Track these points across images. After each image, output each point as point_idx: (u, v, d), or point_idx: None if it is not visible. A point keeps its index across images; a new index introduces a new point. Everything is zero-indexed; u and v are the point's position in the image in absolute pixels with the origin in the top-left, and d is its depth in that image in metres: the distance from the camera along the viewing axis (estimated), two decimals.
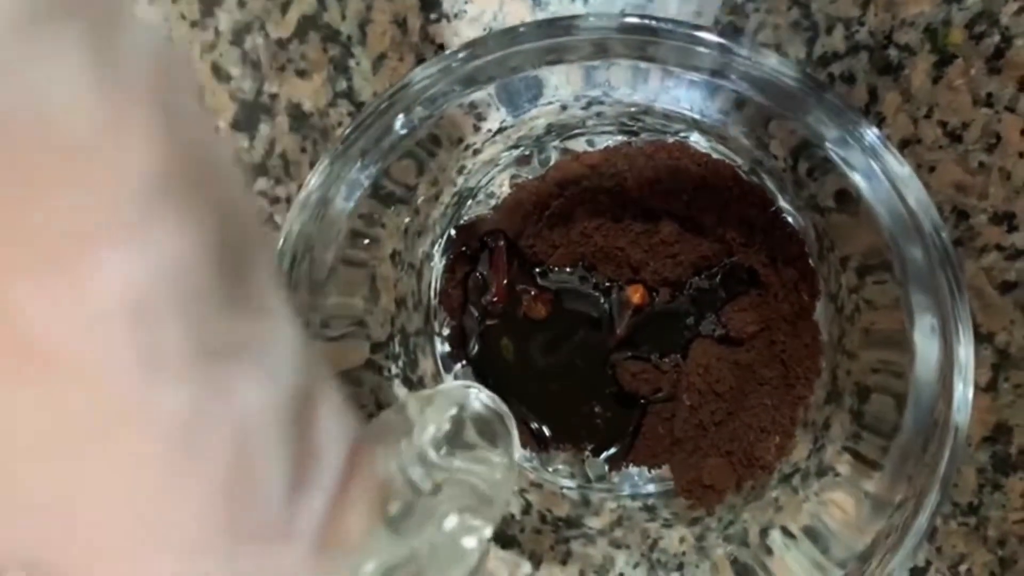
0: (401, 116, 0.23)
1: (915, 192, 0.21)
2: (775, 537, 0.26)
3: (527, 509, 0.29)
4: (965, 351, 0.21)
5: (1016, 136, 0.26)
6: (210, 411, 0.09)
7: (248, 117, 0.29)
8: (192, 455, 0.09)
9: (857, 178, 0.22)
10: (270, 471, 0.10)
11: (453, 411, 0.18)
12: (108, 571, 0.09)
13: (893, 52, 0.26)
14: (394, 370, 0.29)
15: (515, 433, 0.20)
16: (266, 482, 0.10)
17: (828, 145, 0.22)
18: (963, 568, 0.28)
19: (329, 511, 0.11)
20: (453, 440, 0.18)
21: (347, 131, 0.22)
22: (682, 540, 0.28)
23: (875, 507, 0.24)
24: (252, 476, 0.09)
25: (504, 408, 0.20)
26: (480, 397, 0.20)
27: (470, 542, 0.17)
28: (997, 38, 0.26)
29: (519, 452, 0.20)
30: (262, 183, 0.30)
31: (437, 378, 0.29)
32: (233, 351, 0.09)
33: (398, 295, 0.29)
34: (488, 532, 0.17)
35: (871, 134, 0.21)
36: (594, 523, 0.28)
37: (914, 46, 0.26)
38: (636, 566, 0.28)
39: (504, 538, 0.28)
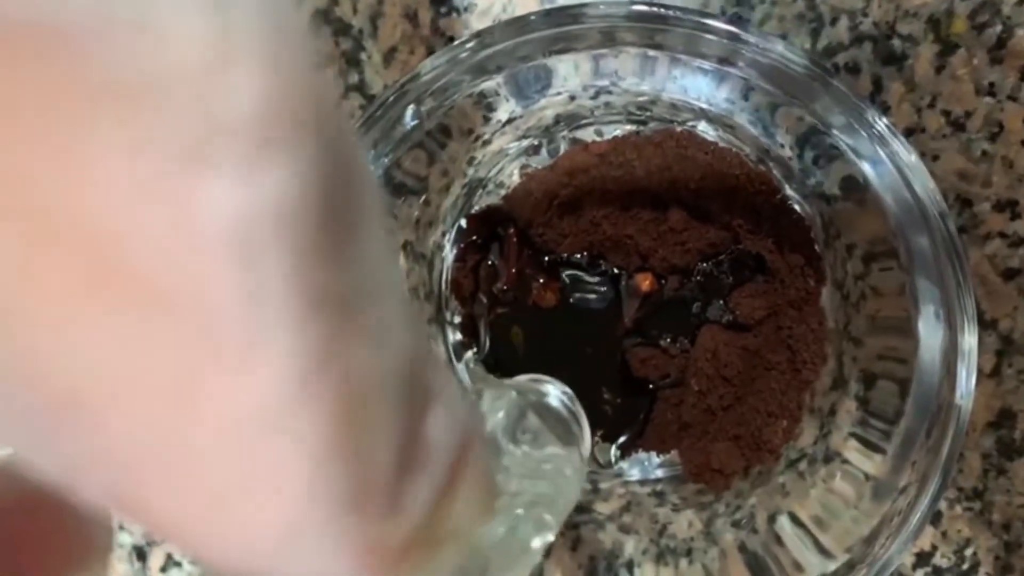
0: (411, 107, 0.23)
1: (921, 180, 0.21)
2: (782, 523, 0.27)
3: None
4: (969, 338, 0.21)
5: (1018, 125, 0.26)
6: (319, 364, 0.08)
7: None
8: (300, 408, 0.08)
9: (864, 166, 0.23)
10: (380, 441, 0.09)
11: (528, 404, 0.18)
12: (200, 517, 0.08)
13: (897, 42, 0.27)
14: None
15: (587, 431, 0.20)
16: (376, 452, 0.09)
17: (835, 132, 0.23)
18: (968, 552, 0.29)
19: (437, 500, 0.10)
20: (525, 436, 0.17)
21: (357, 123, 0.23)
22: (690, 525, 0.28)
23: (880, 492, 0.24)
24: (362, 441, 0.09)
25: (578, 407, 0.20)
26: (557, 393, 0.20)
27: (537, 541, 0.16)
28: (999, 28, 0.26)
29: (588, 451, 0.20)
30: None
31: (448, 366, 0.30)
32: (339, 304, 0.08)
33: (410, 285, 0.29)
34: (553, 534, 0.16)
35: (878, 122, 0.21)
36: (603, 508, 0.29)
37: (917, 36, 0.26)
38: (645, 552, 0.28)
39: None
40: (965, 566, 0.29)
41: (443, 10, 0.28)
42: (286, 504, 0.08)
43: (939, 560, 0.29)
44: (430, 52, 0.29)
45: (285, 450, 0.08)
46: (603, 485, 0.30)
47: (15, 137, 0.07)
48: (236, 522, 0.08)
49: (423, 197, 0.27)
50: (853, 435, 0.26)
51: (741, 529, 0.27)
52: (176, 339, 0.07)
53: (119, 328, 0.07)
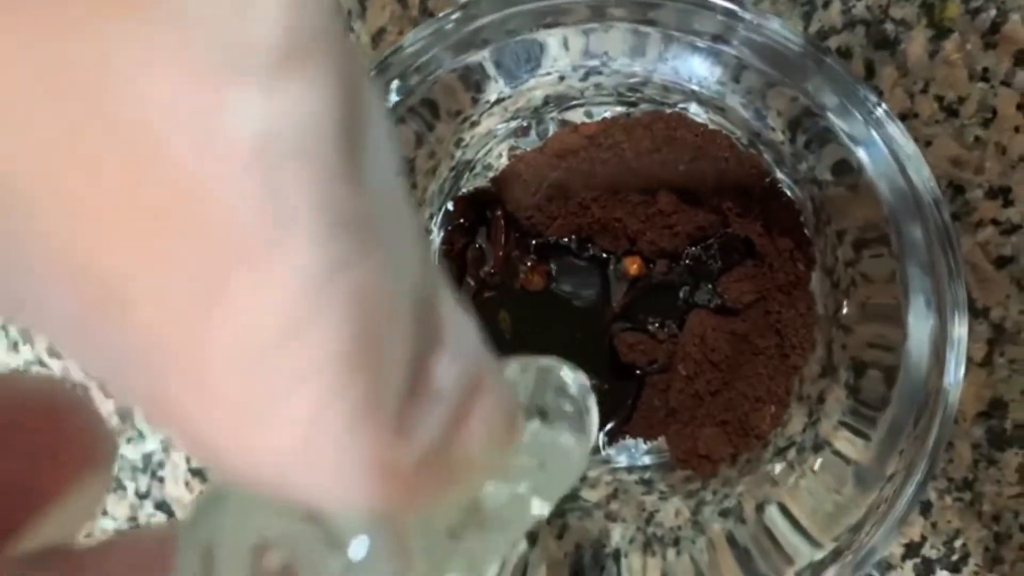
0: (396, 82, 0.23)
1: (917, 167, 0.21)
2: (771, 512, 0.26)
3: None
4: (959, 328, 0.21)
5: (1012, 110, 0.26)
6: (333, 274, 0.09)
7: None
8: (316, 316, 0.09)
9: (859, 151, 0.22)
10: (391, 360, 0.09)
11: (549, 382, 0.18)
12: (224, 423, 0.09)
13: (890, 26, 0.26)
14: None
15: (596, 422, 0.20)
16: (387, 370, 0.09)
17: (829, 115, 0.22)
18: (958, 543, 0.29)
19: (449, 430, 0.10)
20: (543, 414, 0.17)
21: None
22: (678, 513, 0.28)
23: (866, 479, 0.24)
24: (373, 356, 0.09)
25: (592, 397, 0.20)
26: (576, 378, 0.19)
27: (537, 508, 0.16)
28: (993, 12, 0.26)
29: (593, 441, 0.20)
30: None
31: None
32: (353, 220, 0.09)
33: None
34: (549, 508, 0.16)
35: (874, 106, 0.21)
36: (590, 496, 0.29)
37: (910, 20, 0.26)
38: (632, 541, 0.28)
39: None
40: (955, 557, 0.29)
41: None
42: (302, 410, 0.09)
43: (928, 551, 0.29)
44: None
45: (302, 357, 0.09)
46: (591, 473, 0.29)
47: (67, 26, 0.07)
48: (256, 429, 0.09)
49: (411, 180, 0.27)
50: (843, 424, 0.26)
51: (729, 519, 0.27)
52: (202, 238, 0.08)
53: (150, 221, 0.08)
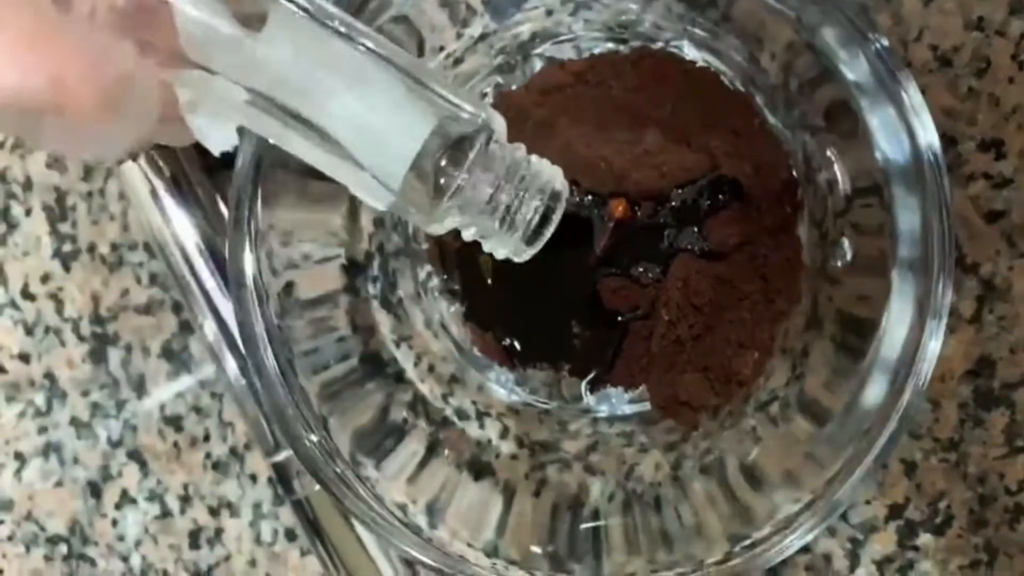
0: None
1: (922, 120, 0.20)
2: (749, 466, 0.26)
3: (504, 433, 0.29)
4: (943, 291, 0.21)
5: (1006, 61, 0.26)
6: None
7: None
8: None
9: (861, 100, 0.21)
10: None
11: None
12: None
13: None
14: (372, 291, 0.28)
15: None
16: None
17: (828, 54, 0.21)
18: (942, 505, 0.28)
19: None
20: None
21: None
22: (658, 467, 0.27)
23: (842, 436, 0.23)
24: None
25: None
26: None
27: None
28: None
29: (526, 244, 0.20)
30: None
31: (416, 299, 0.29)
32: None
33: (376, 214, 0.28)
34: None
35: (881, 50, 0.20)
36: (569, 447, 0.28)
37: None
38: (611, 498, 0.27)
39: (479, 465, 0.28)
40: (938, 519, 0.28)
41: None
42: None
43: (912, 513, 0.28)
44: None
45: None
46: (571, 426, 0.29)
47: None
48: None
49: None
50: (827, 381, 0.25)
51: (711, 477, 0.27)
52: None
53: None
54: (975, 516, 0.28)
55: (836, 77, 0.22)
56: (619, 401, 0.28)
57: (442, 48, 0.25)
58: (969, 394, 0.27)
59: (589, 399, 0.28)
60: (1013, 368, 0.27)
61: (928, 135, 0.20)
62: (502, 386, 0.28)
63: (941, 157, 0.20)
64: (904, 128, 0.20)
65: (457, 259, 0.27)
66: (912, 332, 0.21)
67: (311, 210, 0.25)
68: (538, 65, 0.26)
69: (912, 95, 0.20)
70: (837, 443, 0.23)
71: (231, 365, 0.29)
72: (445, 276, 0.28)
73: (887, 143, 0.20)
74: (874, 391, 0.22)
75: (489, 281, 0.27)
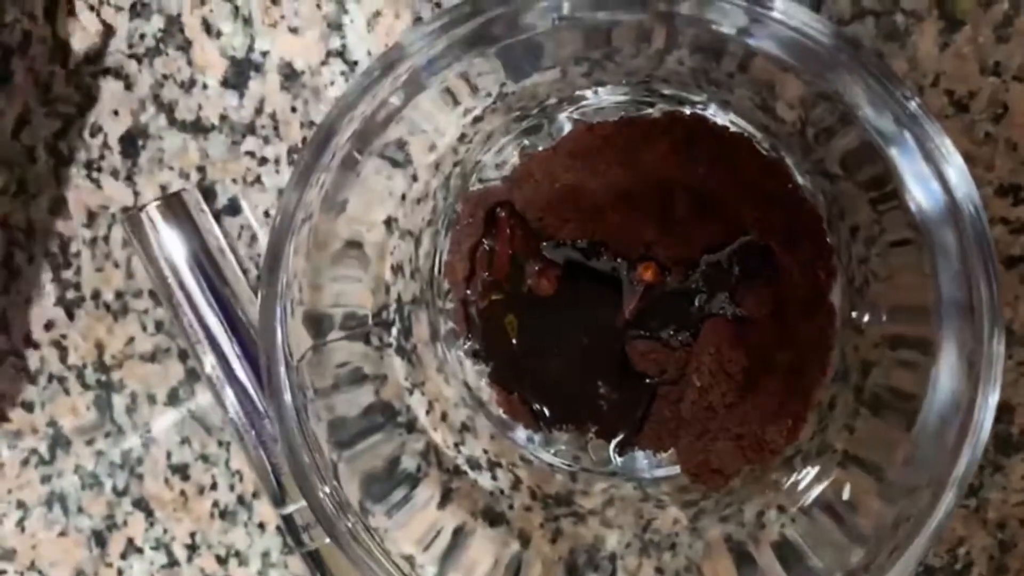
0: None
1: (956, 166, 0.19)
2: (771, 518, 0.25)
3: (516, 485, 0.28)
4: (997, 346, 0.20)
5: (1023, 106, 0.26)
6: None
7: (238, 75, 0.29)
8: None
9: (889, 149, 0.21)
10: None
11: None
12: None
13: (900, 18, 0.26)
14: (387, 339, 0.28)
15: None
16: None
17: (850, 103, 0.21)
18: (961, 551, 0.28)
19: None
20: None
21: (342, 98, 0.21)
22: (675, 521, 0.27)
23: (885, 493, 0.22)
24: None
25: None
26: None
27: None
28: (1006, 5, 0.25)
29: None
30: (251, 143, 0.29)
31: (431, 345, 0.29)
32: None
33: (395, 262, 0.28)
34: None
35: (906, 98, 0.19)
36: (585, 503, 0.28)
37: (921, 12, 0.26)
38: (628, 546, 0.27)
39: (492, 515, 0.27)
40: (958, 566, 0.28)
41: None
42: None
43: (931, 559, 0.28)
44: (416, 17, 0.28)
45: None
46: (586, 479, 0.28)
47: None
48: None
49: (410, 172, 0.26)
50: (847, 427, 0.25)
51: (728, 524, 0.26)
52: None
53: None
54: (995, 563, 0.28)
55: (857, 126, 0.21)
56: (650, 464, 0.27)
57: (457, 102, 0.25)
58: (989, 440, 0.27)
59: (617, 462, 0.27)
60: None
61: (966, 186, 0.19)
62: (524, 447, 0.28)
63: (981, 208, 0.19)
64: (939, 180, 0.19)
65: (483, 320, 0.27)
66: (963, 394, 0.20)
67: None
68: (566, 127, 0.25)
69: (945, 147, 0.19)
70: (879, 513, 0.22)
71: (239, 414, 0.29)
72: (470, 336, 0.28)
73: (922, 195, 0.20)
74: (921, 461, 0.21)
75: (515, 342, 0.26)
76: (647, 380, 0.25)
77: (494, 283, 0.26)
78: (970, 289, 0.20)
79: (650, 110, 0.25)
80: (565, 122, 0.26)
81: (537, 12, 0.19)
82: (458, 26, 0.19)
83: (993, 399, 0.20)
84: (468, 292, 0.27)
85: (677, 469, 0.26)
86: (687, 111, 0.24)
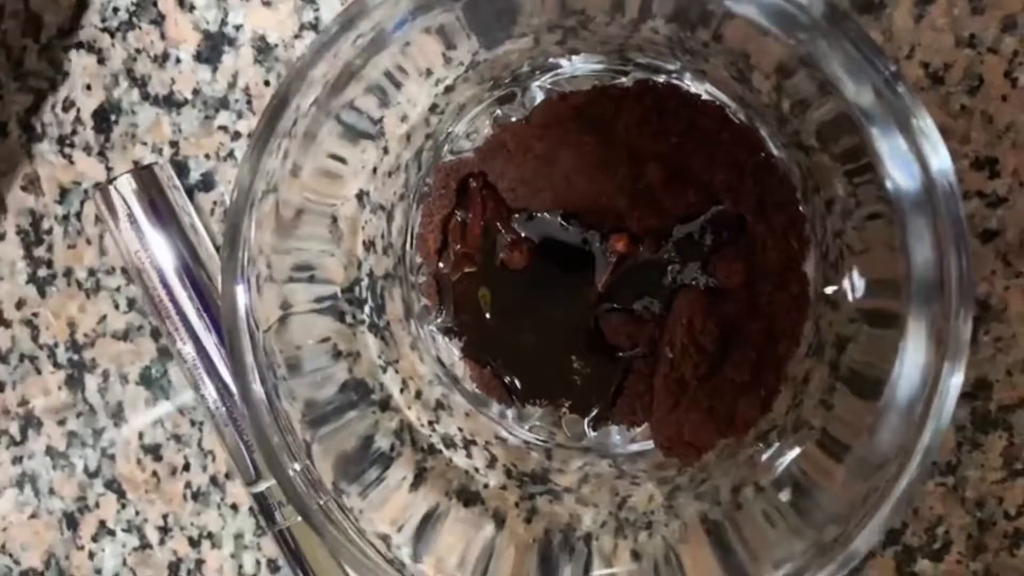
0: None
1: (933, 144, 0.19)
2: (748, 495, 0.25)
3: (492, 463, 0.28)
4: (963, 327, 0.19)
5: (999, 78, 0.25)
6: None
7: (211, 48, 0.28)
8: None
9: (868, 125, 0.20)
10: None
11: None
12: None
13: None
14: (360, 316, 0.28)
15: None
16: None
17: (825, 72, 0.20)
18: (940, 530, 0.28)
19: None
20: None
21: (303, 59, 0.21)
22: (651, 499, 0.27)
23: (855, 467, 0.22)
24: None
25: None
26: None
27: None
28: None
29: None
30: (224, 117, 0.29)
31: (404, 322, 0.28)
32: None
33: (366, 237, 0.27)
34: None
35: (886, 70, 0.19)
36: (561, 480, 0.27)
37: None
38: (603, 525, 0.27)
39: (467, 494, 0.27)
40: (936, 545, 0.28)
41: None
42: None
43: (909, 539, 0.28)
44: None
45: None
46: (562, 457, 0.28)
47: None
48: None
49: (382, 144, 0.25)
50: (823, 403, 0.25)
51: (704, 502, 0.26)
52: None
53: None
54: (974, 541, 0.27)
55: (835, 97, 0.21)
56: (624, 440, 0.27)
57: (429, 71, 0.24)
58: (966, 417, 0.27)
59: (591, 436, 0.27)
60: (1010, 390, 0.27)
61: (941, 162, 0.19)
62: (499, 423, 0.28)
63: (956, 185, 0.19)
64: (915, 155, 0.19)
65: (455, 294, 0.27)
66: (929, 369, 0.19)
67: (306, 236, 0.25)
68: (539, 96, 0.25)
69: (923, 121, 0.19)
70: (847, 476, 0.22)
71: (211, 392, 0.28)
72: (443, 311, 0.27)
73: (897, 170, 0.19)
74: (888, 434, 0.21)
75: (488, 316, 0.26)
76: (621, 354, 0.25)
77: (466, 255, 0.26)
78: (941, 266, 0.20)
79: (624, 79, 0.25)
80: (538, 91, 0.25)
81: None
82: None
83: (958, 376, 0.19)
84: (440, 265, 0.27)
85: (651, 444, 0.26)
86: (660, 79, 0.24)
